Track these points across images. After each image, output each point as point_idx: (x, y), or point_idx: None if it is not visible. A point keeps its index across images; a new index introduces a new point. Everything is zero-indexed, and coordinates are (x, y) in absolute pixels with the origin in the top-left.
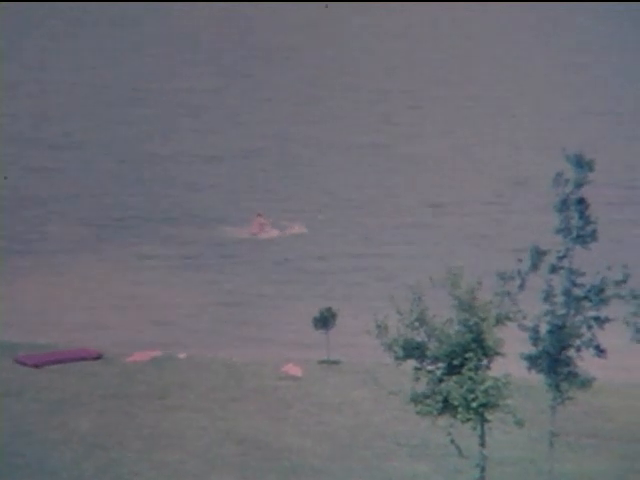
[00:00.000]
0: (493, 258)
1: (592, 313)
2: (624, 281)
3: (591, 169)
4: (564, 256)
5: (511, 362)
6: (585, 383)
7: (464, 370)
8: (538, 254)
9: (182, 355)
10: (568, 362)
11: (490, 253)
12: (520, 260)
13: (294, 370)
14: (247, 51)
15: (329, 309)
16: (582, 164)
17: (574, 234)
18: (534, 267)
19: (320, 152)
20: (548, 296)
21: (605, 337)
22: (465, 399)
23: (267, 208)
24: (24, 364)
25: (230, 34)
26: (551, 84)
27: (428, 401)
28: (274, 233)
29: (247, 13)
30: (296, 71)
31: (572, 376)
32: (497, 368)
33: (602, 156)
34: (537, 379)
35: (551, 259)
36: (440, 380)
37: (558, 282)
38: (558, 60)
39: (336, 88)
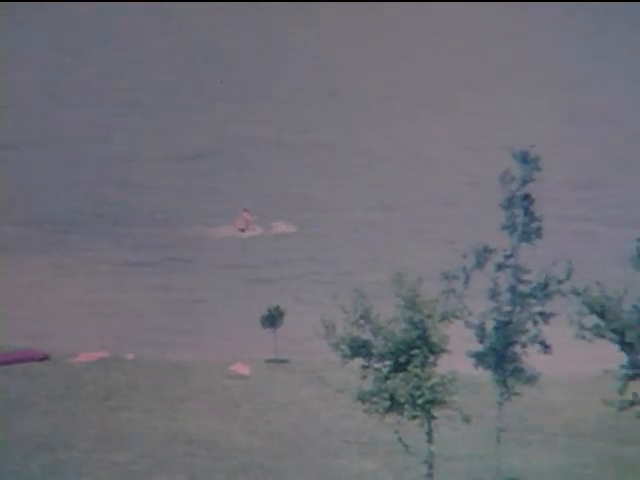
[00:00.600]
0: (446, 257)
1: (537, 309)
2: (567, 278)
3: (537, 166)
4: (511, 255)
5: (458, 359)
6: (531, 379)
7: (410, 367)
8: (483, 252)
9: (129, 356)
10: (514, 358)
11: (443, 252)
12: (465, 256)
13: (242, 369)
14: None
15: (277, 308)
16: (528, 161)
17: (519, 231)
18: (479, 265)
19: (271, 151)
20: (494, 293)
21: (551, 332)
22: (411, 396)
23: (224, 210)
24: None
25: (180, 34)
26: (502, 81)
27: (375, 399)
28: (258, 231)
29: (195, 14)
30: (247, 71)
31: (518, 372)
32: (444, 365)
33: (552, 155)
34: (484, 375)
35: (497, 257)
36: (386, 378)
37: (504, 279)
38: (510, 57)
39: (287, 88)
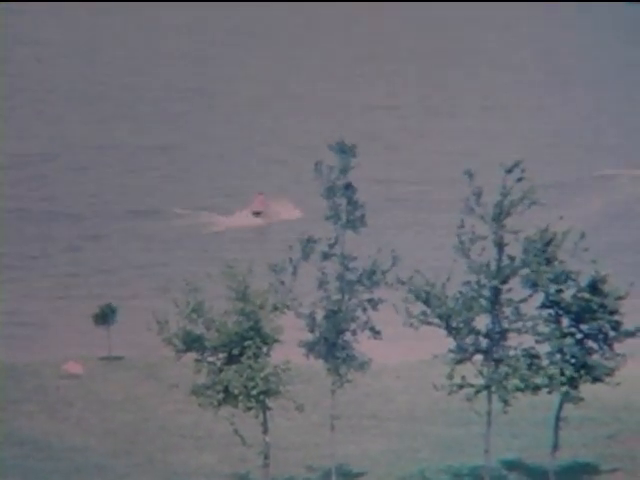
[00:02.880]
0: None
1: (366, 296)
2: (393, 265)
3: (354, 155)
4: (335, 243)
5: (292, 349)
6: (363, 365)
7: (243, 359)
8: (308, 243)
9: None
10: (345, 346)
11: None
12: (291, 247)
13: (75, 368)
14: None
15: (109, 305)
16: (345, 150)
17: (343, 220)
18: (305, 256)
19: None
20: (322, 283)
21: (385, 319)
22: (245, 387)
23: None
24: None
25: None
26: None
27: (209, 392)
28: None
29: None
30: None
31: (350, 359)
32: (278, 356)
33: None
34: (318, 364)
35: (323, 247)
36: (220, 370)
37: (333, 269)
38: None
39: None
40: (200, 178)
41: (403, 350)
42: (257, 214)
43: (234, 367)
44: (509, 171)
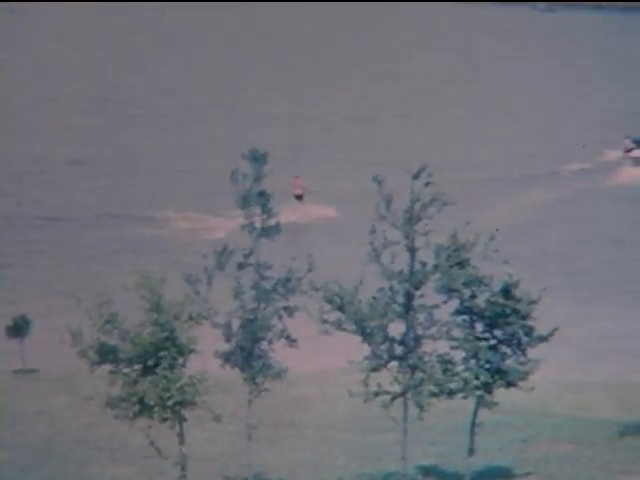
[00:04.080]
0: None
1: (282, 304)
2: (309, 272)
3: (266, 162)
4: (250, 252)
5: (209, 359)
6: (279, 374)
7: (159, 370)
8: (223, 253)
9: None
10: (262, 355)
11: None
12: (205, 256)
13: None
14: None
15: (22, 317)
16: (258, 158)
17: (258, 228)
18: (220, 266)
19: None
20: (238, 292)
21: (301, 327)
22: (161, 398)
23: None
24: None
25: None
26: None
27: (124, 404)
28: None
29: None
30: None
31: (266, 368)
32: (195, 366)
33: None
34: (235, 374)
35: (238, 257)
36: (135, 382)
37: (248, 278)
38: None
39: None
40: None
41: (320, 358)
42: (299, 197)
43: (149, 378)
44: (416, 177)
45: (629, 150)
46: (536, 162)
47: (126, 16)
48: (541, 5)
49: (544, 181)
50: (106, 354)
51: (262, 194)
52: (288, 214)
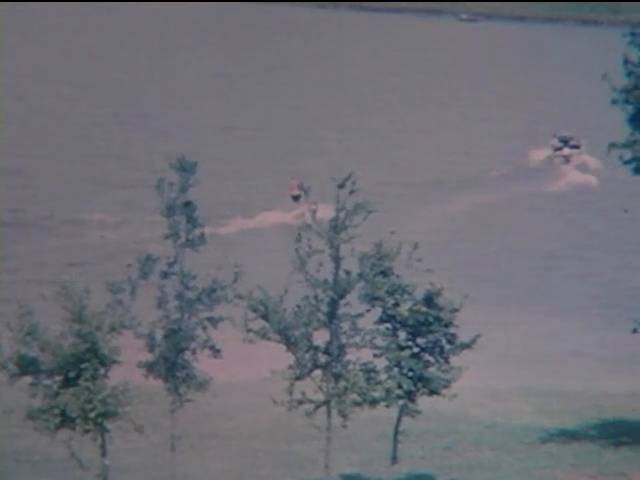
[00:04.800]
0: None
1: (206, 314)
2: (235, 282)
3: (193, 172)
4: (174, 261)
5: (132, 370)
6: (203, 384)
7: (81, 381)
8: (147, 261)
9: None
10: (185, 365)
11: None
12: (129, 266)
13: None
14: None
15: None
16: (185, 168)
17: (183, 238)
18: (144, 275)
19: None
20: (161, 302)
21: (225, 337)
22: (83, 410)
23: None
24: None
25: None
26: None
27: (45, 416)
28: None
29: None
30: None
31: (190, 379)
32: (117, 377)
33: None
34: (158, 384)
35: (162, 265)
36: (57, 394)
37: (172, 287)
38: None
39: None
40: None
41: (244, 367)
42: (296, 198)
43: (71, 390)
44: (341, 186)
45: (558, 149)
46: (462, 168)
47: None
48: (463, 15)
49: (472, 187)
50: (26, 366)
51: (188, 204)
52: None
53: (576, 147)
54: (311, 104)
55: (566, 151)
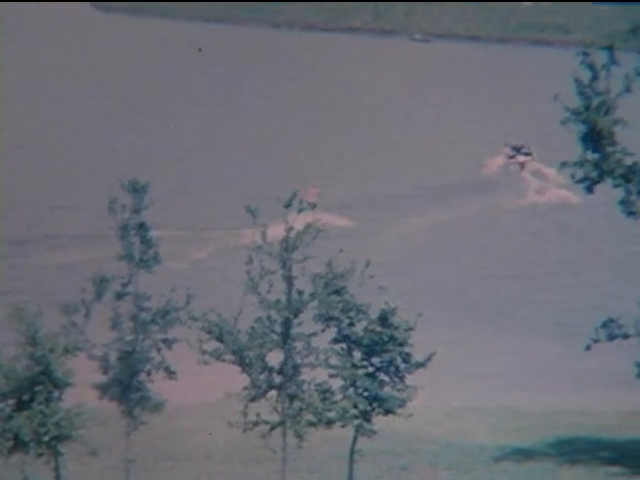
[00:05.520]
0: None
1: (160, 336)
2: (187, 304)
3: (145, 193)
4: (128, 282)
5: (86, 392)
6: (158, 406)
7: (34, 404)
8: (101, 283)
9: None
10: (139, 387)
11: None
12: (84, 289)
13: None
14: None
15: None
16: (137, 189)
17: (137, 259)
18: (98, 296)
19: None
20: (116, 323)
21: (180, 358)
22: (36, 433)
23: None
24: None
25: None
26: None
27: None
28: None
29: None
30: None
31: (144, 401)
32: (71, 399)
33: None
34: (112, 406)
35: (116, 286)
36: (10, 417)
37: (127, 309)
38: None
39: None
40: None
41: (199, 389)
42: (313, 206)
43: (24, 413)
44: (287, 205)
45: (512, 156)
46: (426, 181)
47: None
48: (417, 36)
49: (432, 202)
50: None
51: (141, 225)
52: None
53: (528, 154)
54: (267, 125)
55: (521, 158)
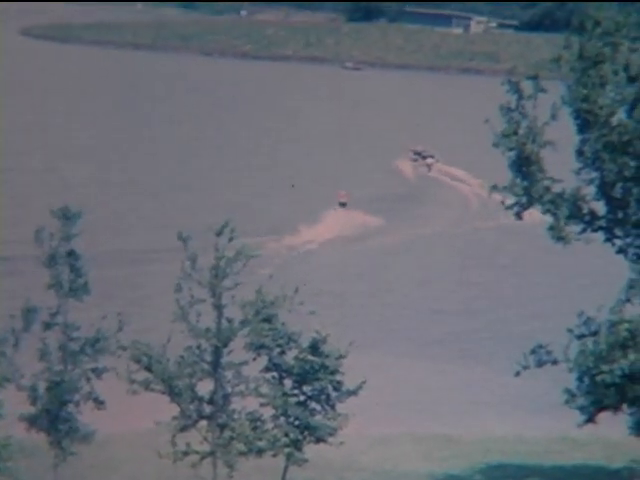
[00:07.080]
0: None
1: (90, 365)
2: (119, 331)
3: (76, 221)
4: (57, 312)
5: (14, 423)
6: (87, 437)
7: None
8: (29, 313)
9: None
10: (68, 418)
11: None
12: (12, 316)
13: None
14: None
15: None
16: (69, 217)
17: (66, 288)
18: (27, 326)
19: None
20: (44, 353)
21: (109, 388)
22: None
23: None
24: None
25: None
26: None
27: None
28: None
29: None
30: None
31: (73, 431)
32: None
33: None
34: (41, 438)
35: (44, 317)
36: None
37: (55, 338)
38: None
39: None
40: None
41: (129, 419)
42: (343, 205)
43: None
44: (219, 234)
45: (415, 160)
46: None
47: None
48: (348, 64)
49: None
50: None
51: (71, 253)
52: None
53: (431, 157)
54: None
55: (429, 160)
